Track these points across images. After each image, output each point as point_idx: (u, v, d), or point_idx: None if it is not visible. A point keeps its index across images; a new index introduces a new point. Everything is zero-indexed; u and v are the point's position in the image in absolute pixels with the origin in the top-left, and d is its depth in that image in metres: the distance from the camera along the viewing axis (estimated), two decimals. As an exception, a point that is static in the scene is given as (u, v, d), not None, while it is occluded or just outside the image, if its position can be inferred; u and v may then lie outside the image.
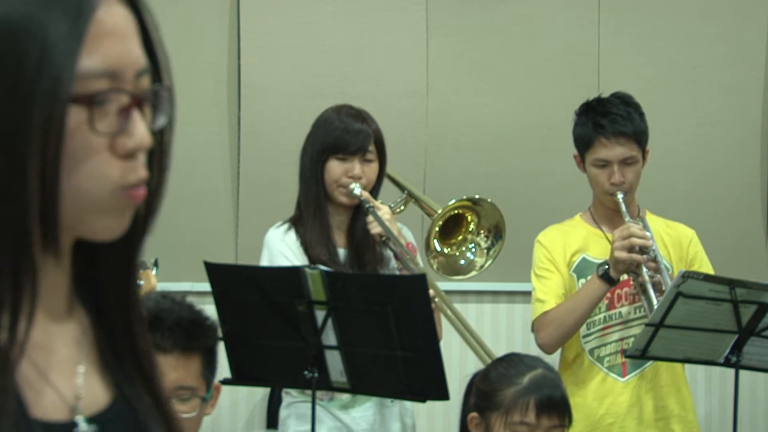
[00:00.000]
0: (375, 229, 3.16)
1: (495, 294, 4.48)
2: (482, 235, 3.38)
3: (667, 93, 4.52)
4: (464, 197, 3.35)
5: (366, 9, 4.43)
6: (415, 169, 4.33)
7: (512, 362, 2.54)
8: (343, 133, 3.21)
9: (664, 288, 3.18)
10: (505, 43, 4.50)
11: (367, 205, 3.17)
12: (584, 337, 3.38)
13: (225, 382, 2.99)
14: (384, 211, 3.17)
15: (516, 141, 4.49)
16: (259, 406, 4.30)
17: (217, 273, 2.88)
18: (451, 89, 4.47)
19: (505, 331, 4.51)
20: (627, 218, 3.28)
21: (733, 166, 4.57)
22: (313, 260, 3.14)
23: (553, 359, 3.55)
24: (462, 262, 3.39)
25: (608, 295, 3.33)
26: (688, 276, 3.02)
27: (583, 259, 3.40)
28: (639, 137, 3.34)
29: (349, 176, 3.19)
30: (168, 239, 4.08)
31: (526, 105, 4.50)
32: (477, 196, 3.36)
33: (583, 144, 3.40)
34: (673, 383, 3.39)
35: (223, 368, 3.03)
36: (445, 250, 3.37)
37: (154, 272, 2.81)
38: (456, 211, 3.35)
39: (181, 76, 4.14)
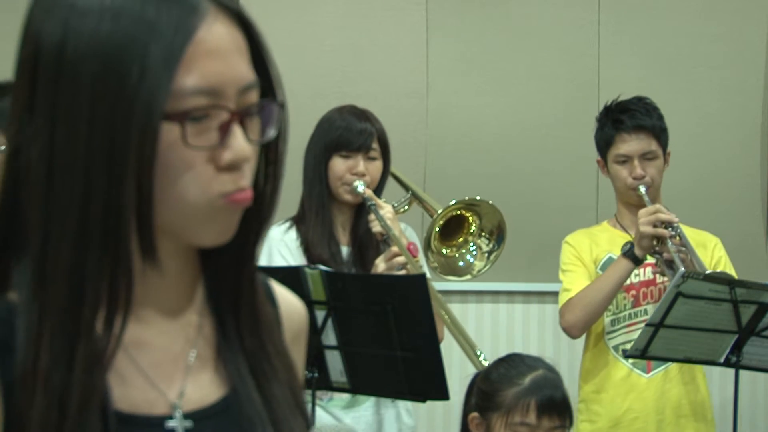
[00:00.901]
0: (376, 227, 3.16)
1: (495, 294, 4.48)
2: (484, 237, 3.38)
3: (667, 93, 4.51)
4: (465, 198, 3.35)
5: (366, 9, 4.43)
6: (415, 169, 4.33)
7: (513, 363, 2.54)
8: (346, 131, 3.21)
9: (694, 263, 3.21)
10: (505, 43, 4.50)
11: (369, 203, 3.17)
12: (608, 333, 3.43)
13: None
14: (386, 210, 3.17)
15: (516, 141, 4.49)
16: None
17: (217, 273, 2.88)
18: (451, 89, 4.47)
19: (505, 331, 4.51)
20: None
21: (733, 167, 4.57)
22: (314, 259, 3.14)
23: (577, 356, 3.58)
24: (461, 263, 3.39)
25: (633, 292, 3.39)
26: (688, 276, 3.03)
27: (610, 258, 3.44)
28: (658, 133, 3.39)
29: (353, 173, 3.19)
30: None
31: (526, 105, 4.50)
32: (478, 197, 3.36)
33: (604, 144, 3.45)
34: (694, 380, 3.43)
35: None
36: (445, 251, 3.37)
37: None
38: (457, 212, 3.35)
39: (181, 76, 4.04)
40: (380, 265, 3.10)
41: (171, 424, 1.04)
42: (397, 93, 4.41)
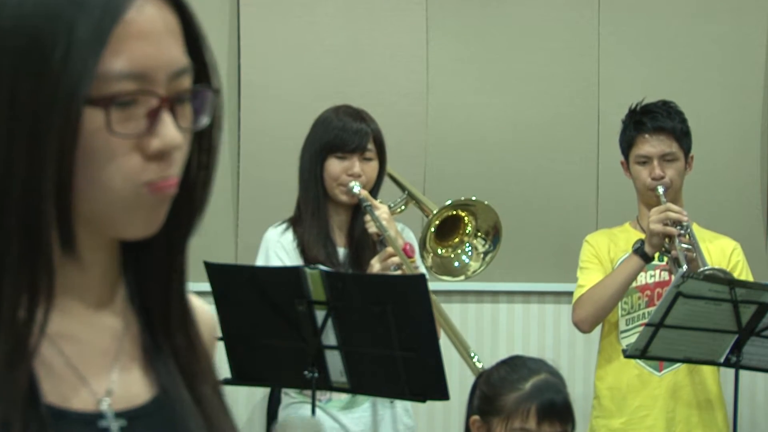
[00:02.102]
0: (372, 228, 3.16)
1: (495, 294, 4.48)
2: (480, 238, 3.38)
3: (666, 93, 4.50)
4: (461, 198, 3.35)
5: (366, 9, 4.43)
6: (415, 169, 4.33)
7: (515, 366, 2.51)
8: (341, 132, 3.21)
9: (700, 265, 3.24)
10: (505, 43, 4.50)
11: (365, 204, 3.17)
12: (623, 332, 3.47)
13: (225, 382, 2.99)
14: (382, 211, 3.17)
15: (516, 141, 4.49)
16: (259, 407, 4.29)
17: (217, 273, 2.88)
18: (451, 89, 4.47)
19: (505, 331, 4.51)
20: None
21: (733, 167, 4.57)
22: (310, 261, 3.14)
23: (590, 354, 3.60)
24: (456, 264, 3.39)
25: (648, 292, 3.43)
26: (687, 276, 3.03)
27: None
28: (679, 135, 3.43)
29: (348, 174, 3.19)
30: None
31: (526, 105, 4.50)
32: (473, 198, 3.36)
33: (626, 145, 3.51)
34: (706, 379, 3.45)
35: (223, 368, 3.03)
36: (440, 251, 3.37)
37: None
38: (453, 212, 3.35)
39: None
40: (375, 266, 3.10)
41: (104, 423, 0.99)
42: (397, 93, 4.41)
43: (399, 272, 3.08)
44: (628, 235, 3.51)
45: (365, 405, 3.20)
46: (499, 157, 4.48)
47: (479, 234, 3.38)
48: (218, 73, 1.04)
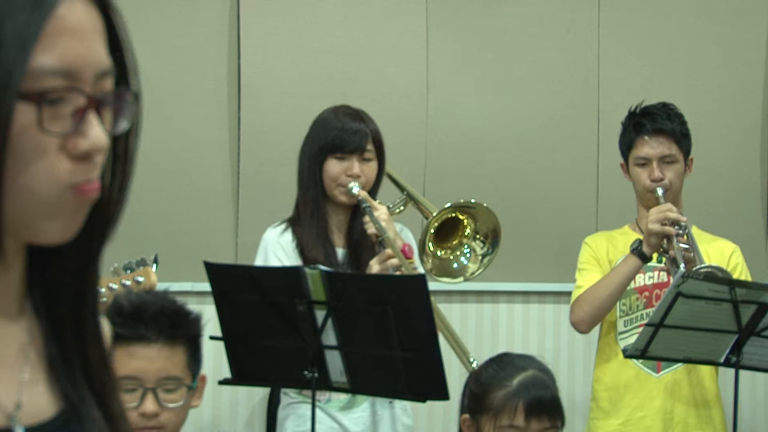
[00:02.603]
0: (371, 229, 3.16)
1: (495, 294, 4.48)
2: (479, 240, 3.37)
3: (666, 93, 4.50)
4: (461, 201, 3.34)
5: (366, 9, 4.43)
6: (415, 169, 4.33)
7: (503, 363, 2.51)
8: (340, 132, 3.21)
9: (693, 255, 3.25)
10: (505, 44, 4.50)
11: (364, 205, 3.16)
12: (621, 333, 3.47)
13: (225, 381, 3.00)
14: (381, 212, 3.17)
15: (516, 141, 4.49)
16: (258, 407, 4.29)
17: (217, 273, 2.88)
18: (451, 89, 4.47)
19: (505, 331, 4.51)
20: None
21: (733, 167, 4.57)
22: (309, 262, 3.14)
23: (589, 354, 3.60)
24: (455, 265, 3.39)
25: (646, 294, 3.43)
26: (687, 276, 3.03)
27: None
28: (678, 138, 3.43)
29: (347, 175, 3.19)
30: (168, 239, 4.08)
31: (526, 105, 4.50)
32: (473, 200, 3.36)
33: (625, 147, 3.52)
34: (705, 381, 3.46)
35: (223, 368, 3.03)
36: (440, 253, 3.37)
37: (154, 269, 2.81)
38: (452, 215, 3.34)
39: (181, 76, 4.16)
40: (374, 267, 3.10)
41: None
42: (397, 93, 4.41)
43: (398, 274, 3.09)
44: (627, 238, 3.51)
45: (364, 405, 3.20)
46: (498, 158, 4.48)
47: (478, 236, 3.37)
48: (138, 77, 1.01)
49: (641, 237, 3.45)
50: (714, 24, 4.57)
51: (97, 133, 0.93)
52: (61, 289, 1.01)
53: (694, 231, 3.51)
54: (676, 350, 3.16)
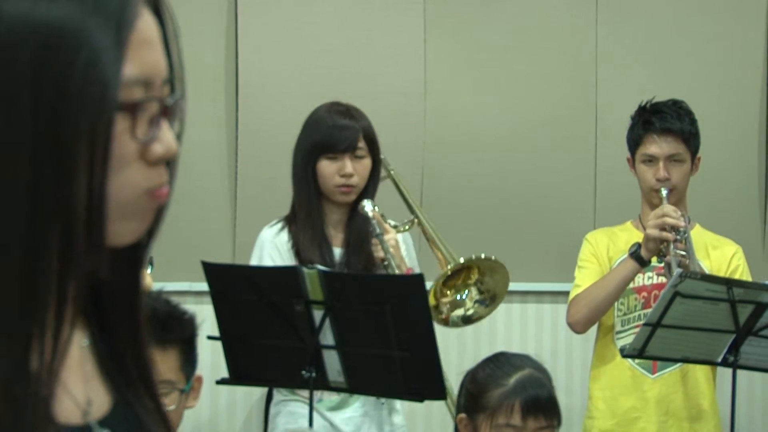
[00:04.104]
0: (378, 252, 3.14)
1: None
2: (475, 291, 3.33)
3: (664, 93, 4.50)
4: (492, 257, 3.28)
5: (364, 9, 4.43)
6: (413, 169, 4.33)
7: (499, 363, 2.51)
8: (331, 131, 3.19)
9: (688, 263, 3.25)
10: (503, 43, 4.50)
11: (376, 234, 3.13)
12: (618, 333, 3.47)
13: (222, 381, 2.99)
14: (390, 236, 3.15)
15: (514, 140, 4.49)
16: (256, 406, 4.29)
17: (214, 273, 2.88)
18: (449, 89, 4.47)
19: (503, 331, 4.51)
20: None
21: (731, 166, 4.57)
22: (304, 262, 3.13)
23: (588, 354, 3.60)
24: (442, 311, 3.34)
25: (644, 294, 3.42)
26: (685, 276, 3.03)
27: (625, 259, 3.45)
28: (687, 137, 3.42)
29: (341, 175, 3.18)
30: (165, 239, 4.05)
31: (524, 104, 4.50)
32: (493, 257, 3.30)
33: (633, 142, 3.50)
34: (701, 383, 3.45)
35: (221, 368, 3.03)
36: (443, 300, 3.33)
37: (148, 271, 2.81)
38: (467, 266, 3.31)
39: (178, 76, 4.02)
40: None
41: None
42: (395, 92, 4.41)
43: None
44: (629, 235, 3.50)
45: (355, 405, 3.20)
46: (496, 157, 4.48)
47: (480, 285, 3.33)
48: (184, 82, 1.04)
49: (642, 235, 3.45)
50: (712, 23, 4.57)
51: (170, 138, 0.97)
52: (114, 287, 1.04)
53: (698, 229, 3.51)
54: (674, 350, 3.16)
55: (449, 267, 3.23)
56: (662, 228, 3.25)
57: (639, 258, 3.29)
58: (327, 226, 3.24)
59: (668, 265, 3.29)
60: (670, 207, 3.31)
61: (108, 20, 0.92)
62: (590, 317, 3.42)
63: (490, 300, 3.32)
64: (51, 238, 0.91)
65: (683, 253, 3.27)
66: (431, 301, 3.20)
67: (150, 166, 0.96)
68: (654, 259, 3.38)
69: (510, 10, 4.51)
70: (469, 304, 3.33)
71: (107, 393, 1.04)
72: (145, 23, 0.96)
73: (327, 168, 3.19)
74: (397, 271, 3.09)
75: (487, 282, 3.31)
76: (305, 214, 3.21)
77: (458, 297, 3.33)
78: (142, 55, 0.94)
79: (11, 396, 0.89)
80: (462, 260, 3.25)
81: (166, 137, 0.96)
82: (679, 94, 4.56)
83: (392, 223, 3.25)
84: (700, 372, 3.44)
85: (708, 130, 4.52)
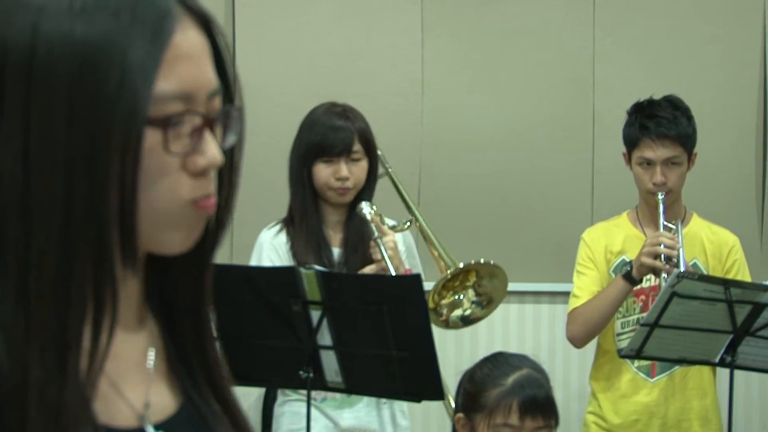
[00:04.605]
0: (376, 255, 3.14)
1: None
2: (472, 292, 3.33)
3: (661, 93, 4.50)
4: (491, 262, 3.28)
5: (361, 9, 4.43)
6: (410, 169, 4.33)
7: (497, 362, 2.52)
8: (327, 133, 3.18)
9: None
10: (501, 43, 4.50)
11: (374, 237, 3.13)
12: (618, 335, 3.48)
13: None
14: (389, 239, 3.14)
15: (511, 140, 4.49)
16: (254, 407, 4.29)
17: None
18: (447, 89, 4.47)
19: (500, 331, 4.51)
20: (662, 220, 3.36)
21: (728, 167, 4.58)
22: (301, 264, 3.12)
23: (585, 354, 3.61)
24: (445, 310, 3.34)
25: (642, 297, 3.45)
26: (682, 276, 3.03)
27: (623, 261, 3.48)
28: (684, 140, 3.42)
29: (336, 178, 3.17)
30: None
31: (522, 104, 4.50)
32: (492, 262, 3.29)
33: (629, 143, 3.49)
34: (701, 386, 3.45)
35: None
36: (442, 303, 3.33)
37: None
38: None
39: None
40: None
41: None
42: (393, 92, 4.41)
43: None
44: (626, 234, 3.50)
45: (359, 405, 3.20)
46: (494, 157, 4.48)
47: (477, 288, 3.32)
48: (242, 93, 1.09)
49: (639, 234, 3.46)
50: (709, 24, 4.57)
51: (213, 150, 1.01)
52: (181, 292, 1.08)
53: (695, 221, 3.52)
54: (672, 350, 3.16)
55: (449, 272, 3.23)
56: (656, 256, 3.26)
57: (631, 279, 3.32)
58: (326, 227, 3.24)
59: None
60: (666, 235, 3.30)
61: (142, 38, 0.95)
62: (587, 335, 3.48)
63: (486, 302, 3.32)
64: (84, 247, 0.95)
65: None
66: (430, 304, 3.21)
67: (195, 177, 1.00)
68: None
69: (507, 11, 4.51)
70: (466, 304, 3.33)
71: (174, 396, 1.07)
72: (186, 38, 0.99)
73: (322, 171, 3.18)
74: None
75: (485, 285, 3.31)
76: (301, 217, 3.20)
77: (456, 297, 3.32)
78: (180, 70, 0.98)
79: (45, 401, 0.92)
80: (461, 265, 3.24)
81: (208, 149, 1.00)
82: (676, 95, 4.57)
83: (390, 223, 3.24)
84: (700, 375, 3.44)
85: (705, 130, 4.52)
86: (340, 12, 4.41)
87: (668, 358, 3.26)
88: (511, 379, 2.45)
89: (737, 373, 3.20)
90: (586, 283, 3.47)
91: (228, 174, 1.08)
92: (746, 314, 3.09)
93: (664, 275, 3.26)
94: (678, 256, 3.28)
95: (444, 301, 3.31)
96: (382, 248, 3.10)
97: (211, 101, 1.01)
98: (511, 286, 4.43)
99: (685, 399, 3.44)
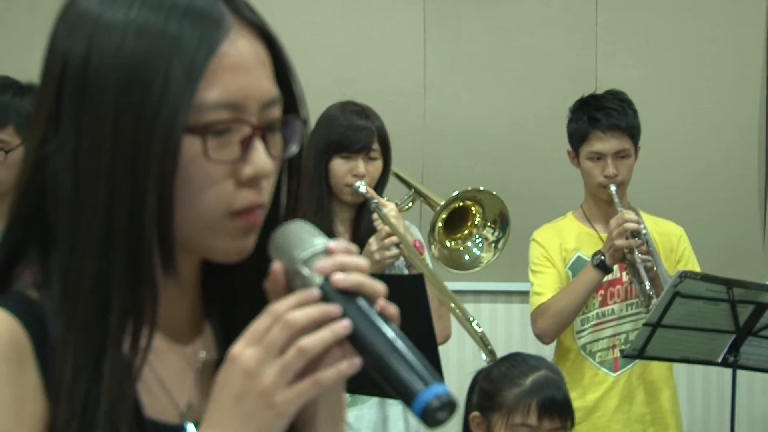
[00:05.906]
0: (380, 226, 3.14)
1: (493, 294, 4.48)
2: (488, 228, 3.36)
3: (664, 93, 4.52)
4: (468, 188, 3.31)
5: (364, 9, 4.43)
6: (413, 168, 4.33)
7: (515, 362, 2.54)
8: (347, 131, 3.18)
9: (655, 269, 3.25)
10: (503, 43, 4.51)
11: (372, 203, 3.15)
12: (578, 332, 3.44)
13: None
14: (389, 208, 3.15)
15: (513, 140, 4.50)
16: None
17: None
18: (449, 88, 4.47)
19: (503, 330, 4.51)
20: (619, 208, 3.35)
21: (730, 166, 4.58)
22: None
23: (549, 354, 3.59)
24: (467, 257, 3.37)
25: (601, 292, 3.41)
26: (685, 276, 3.03)
27: (578, 258, 3.46)
28: (632, 132, 3.42)
29: (353, 175, 3.17)
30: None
31: (524, 104, 4.50)
32: (482, 188, 3.32)
33: (577, 138, 3.47)
34: (661, 379, 3.43)
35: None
36: (449, 244, 3.35)
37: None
38: (460, 204, 3.33)
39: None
40: (373, 245, 3.09)
41: None
42: (395, 92, 4.41)
43: (397, 251, 3.07)
44: (577, 231, 3.49)
45: (369, 403, 3.19)
46: (496, 156, 4.48)
47: (487, 224, 3.36)
48: (305, 103, 1.10)
49: (589, 230, 3.45)
50: (711, 23, 4.57)
51: (261, 159, 1.02)
52: (241, 297, 1.10)
53: (641, 214, 3.50)
54: (674, 350, 3.16)
55: (442, 203, 3.26)
56: (626, 236, 3.26)
57: (604, 267, 3.30)
58: (335, 224, 3.24)
59: (632, 265, 3.30)
60: (629, 213, 3.31)
61: (186, 49, 0.98)
62: (558, 328, 3.41)
63: (502, 224, 3.35)
64: (123, 251, 0.98)
65: (648, 258, 3.28)
66: (435, 251, 3.25)
67: (243, 187, 1.01)
68: None
69: (509, 11, 4.51)
70: (490, 237, 3.35)
71: None
72: (236, 49, 1.01)
73: (340, 167, 3.18)
74: (404, 242, 3.08)
75: (488, 215, 3.34)
76: (314, 213, 3.20)
77: (475, 249, 3.35)
78: (228, 80, 0.99)
79: (74, 396, 0.96)
80: (456, 193, 3.28)
81: (256, 158, 1.01)
82: (678, 95, 4.58)
83: (395, 201, 3.27)
84: (659, 369, 3.42)
85: (707, 130, 4.54)
86: (343, 12, 4.41)
87: (671, 358, 3.26)
88: (529, 380, 2.47)
89: (740, 372, 3.21)
90: (547, 281, 3.45)
91: (293, 183, 1.09)
92: (749, 314, 3.09)
93: (636, 253, 3.25)
94: (644, 231, 3.29)
95: (453, 244, 3.34)
96: (386, 217, 3.10)
97: (266, 111, 1.02)
98: (514, 287, 4.46)
99: (648, 392, 3.41)
